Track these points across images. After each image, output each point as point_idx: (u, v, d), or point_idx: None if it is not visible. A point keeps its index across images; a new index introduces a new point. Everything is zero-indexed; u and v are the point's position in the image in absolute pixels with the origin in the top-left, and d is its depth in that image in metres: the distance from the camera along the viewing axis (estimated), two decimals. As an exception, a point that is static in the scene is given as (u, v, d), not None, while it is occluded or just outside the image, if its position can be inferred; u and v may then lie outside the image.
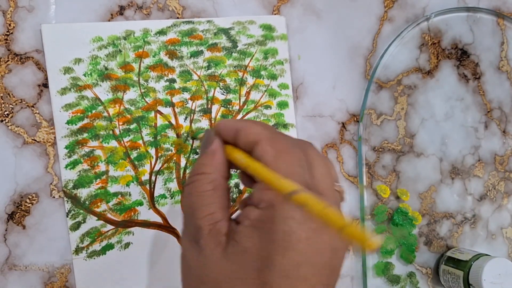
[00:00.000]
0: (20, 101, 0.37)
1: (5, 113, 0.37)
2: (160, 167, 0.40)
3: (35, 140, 0.38)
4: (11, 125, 0.37)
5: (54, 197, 0.38)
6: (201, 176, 0.25)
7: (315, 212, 0.21)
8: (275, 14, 0.44)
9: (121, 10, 0.40)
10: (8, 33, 0.37)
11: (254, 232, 0.22)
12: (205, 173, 0.25)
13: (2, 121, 0.37)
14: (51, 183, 0.38)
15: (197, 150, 0.41)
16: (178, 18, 0.42)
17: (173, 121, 0.40)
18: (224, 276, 0.22)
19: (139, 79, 0.40)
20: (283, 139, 0.25)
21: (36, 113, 0.38)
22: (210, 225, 0.24)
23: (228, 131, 0.26)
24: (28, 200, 0.37)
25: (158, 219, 0.40)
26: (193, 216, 0.24)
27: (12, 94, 0.37)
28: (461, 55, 0.49)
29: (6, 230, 0.37)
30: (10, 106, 0.37)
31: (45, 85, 0.38)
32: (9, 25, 0.37)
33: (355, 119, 0.46)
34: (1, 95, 0.37)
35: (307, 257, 0.22)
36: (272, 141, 0.24)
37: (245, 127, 0.25)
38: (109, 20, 0.40)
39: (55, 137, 0.38)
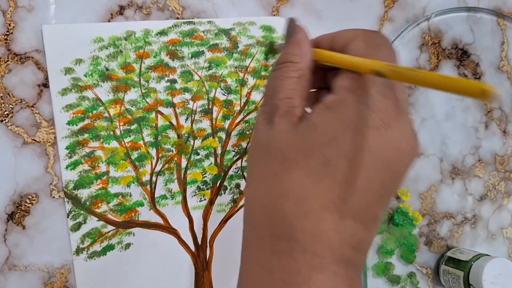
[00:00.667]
0: (20, 101, 0.37)
1: (5, 113, 0.37)
2: (161, 168, 0.40)
3: (35, 140, 0.38)
4: (11, 125, 0.37)
5: (54, 197, 0.38)
6: (289, 64, 0.26)
7: (417, 76, 0.21)
8: (274, 15, 0.44)
9: (121, 10, 0.40)
10: (8, 33, 0.37)
11: (326, 112, 0.23)
12: (293, 62, 0.26)
13: (2, 121, 0.37)
14: (51, 183, 0.38)
15: (198, 151, 0.41)
16: (178, 18, 0.42)
17: (174, 122, 0.40)
18: (290, 147, 0.23)
19: (140, 80, 0.40)
20: (378, 37, 0.25)
21: (36, 113, 0.38)
22: (287, 107, 0.24)
23: (323, 40, 0.27)
24: (28, 200, 0.37)
25: (159, 220, 0.40)
26: (274, 96, 0.25)
27: (12, 94, 0.37)
28: (462, 55, 0.49)
29: (6, 230, 0.37)
30: (10, 106, 0.37)
31: (45, 85, 0.38)
32: (9, 25, 0.37)
33: (355, 119, 0.46)
34: (1, 95, 0.37)
35: (371, 146, 0.22)
36: (366, 38, 0.25)
37: (340, 33, 0.26)
38: (109, 20, 0.40)
39: (55, 137, 0.38)
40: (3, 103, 0.37)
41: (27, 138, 0.37)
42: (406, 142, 0.23)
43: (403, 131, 0.23)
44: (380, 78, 0.23)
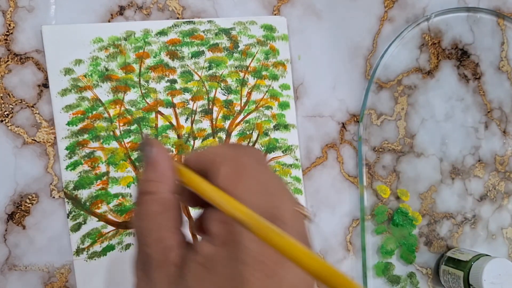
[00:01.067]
0: (20, 101, 0.37)
1: (5, 113, 0.37)
2: None
3: (35, 140, 0.38)
4: (11, 125, 0.37)
5: (54, 197, 0.38)
6: (147, 197, 0.22)
7: (283, 251, 0.19)
8: (275, 14, 0.44)
9: (121, 10, 0.40)
10: (8, 33, 0.37)
11: (201, 271, 0.20)
12: (151, 192, 0.22)
13: (2, 121, 0.37)
14: (51, 183, 0.38)
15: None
16: (178, 18, 0.42)
17: (174, 122, 0.40)
18: None
19: (139, 80, 0.40)
20: (242, 156, 0.22)
21: (36, 113, 0.38)
22: (160, 254, 0.21)
23: (191, 158, 0.23)
24: (28, 200, 0.37)
25: None
26: (142, 242, 0.22)
27: (12, 94, 0.37)
28: (461, 55, 0.49)
29: (6, 230, 0.37)
30: (10, 106, 0.37)
31: (45, 85, 0.38)
32: (9, 25, 0.37)
33: (355, 119, 0.46)
34: (1, 95, 0.37)
35: None
36: (230, 161, 0.22)
37: (206, 150, 0.23)
38: (109, 20, 0.40)
39: (55, 137, 0.38)
40: (3, 103, 0.37)
41: (27, 138, 0.37)
42: (303, 281, 0.20)
43: (292, 273, 0.20)
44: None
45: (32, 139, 0.37)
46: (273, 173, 0.23)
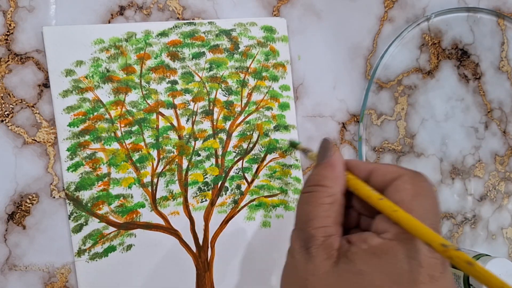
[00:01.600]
0: (20, 101, 0.37)
1: (5, 113, 0.37)
2: (162, 169, 0.40)
3: (35, 140, 0.38)
4: (11, 125, 0.37)
5: (54, 197, 0.38)
6: (321, 188, 0.25)
7: (469, 272, 0.21)
8: (275, 15, 0.44)
9: (121, 11, 0.40)
10: (8, 33, 0.37)
11: (373, 259, 0.22)
12: (325, 185, 0.25)
13: (2, 121, 0.37)
14: (51, 183, 0.38)
15: (199, 152, 0.41)
16: (178, 18, 0.42)
17: (175, 123, 0.40)
18: None
19: (140, 81, 0.40)
20: (424, 178, 0.25)
21: (36, 113, 0.38)
22: (323, 237, 0.24)
23: (360, 170, 0.26)
24: (28, 200, 0.37)
25: (160, 221, 0.40)
26: (308, 224, 0.24)
27: (12, 94, 0.37)
28: (462, 55, 0.49)
29: (6, 230, 0.37)
30: (10, 106, 0.37)
31: (45, 85, 0.38)
32: (10, 25, 0.37)
33: (355, 119, 0.46)
34: (1, 95, 0.37)
35: None
36: (413, 179, 0.24)
37: (381, 167, 0.26)
38: (109, 21, 0.40)
39: (55, 137, 0.38)
40: (3, 103, 0.37)
41: (28, 138, 0.37)
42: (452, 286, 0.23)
43: (447, 285, 0.22)
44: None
45: (33, 139, 0.37)
46: (438, 201, 0.25)
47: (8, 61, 0.37)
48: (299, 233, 0.25)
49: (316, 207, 0.25)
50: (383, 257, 0.22)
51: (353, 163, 0.27)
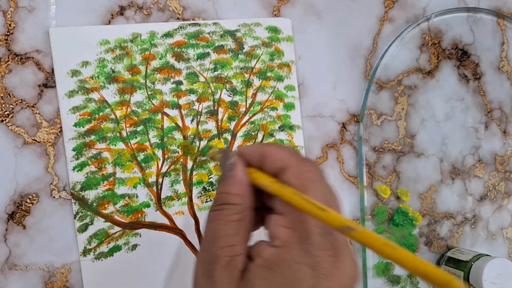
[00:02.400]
0: (20, 101, 0.37)
1: (6, 113, 0.37)
2: (167, 169, 0.40)
3: (35, 140, 0.38)
4: (11, 125, 0.37)
5: (54, 197, 0.38)
6: (228, 206, 0.24)
7: (379, 250, 0.20)
8: (275, 15, 0.44)
9: (122, 11, 0.40)
10: (8, 33, 0.37)
11: (268, 274, 0.22)
12: (233, 203, 0.24)
13: (2, 121, 0.37)
14: (51, 183, 0.38)
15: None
16: (178, 18, 0.42)
17: (180, 123, 0.41)
18: None
19: (146, 82, 0.40)
20: (310, 167, 0.24)
21: (36, 113, 0.38)
22: (228, 257, 0.23)
23: (252, 155, 0.25)
24: (28, 200, 0.37)
25: (165, 221, 0.40)
26: (213, 243, 0.24)
27: (12, 94, 0.37)
28: (462, 56, 0.49)
29: (6, 230, 0.37)
30: (11, 106, 0.37)
31: (46, 85, 0.38)
32: (10, 25, 0.37)
33: (356, 119, 0.46)
34: (2, 95, 0.37)
35: None
36: (300, 169, 0.24)
37: (272, 152, 0.25)
38: (109, 21, 0.40)
39: (55, 137, 0.38)
40: (3, 103, 0.37)
41: (28, 138, 0.37)
42: (352, 275, 0.23)
43: (347, 268, 0.22)
44: (318, 222, 0.22)
45: (33, 139, 0.38)
46: (332, 189, 0.25)
47: (8, 61, 0.37)
48: (203, 255, 0.24)
49: (223, 225, 0.24)
50: (277, 270, 0.22)
51: (245, 151, 0.26)
